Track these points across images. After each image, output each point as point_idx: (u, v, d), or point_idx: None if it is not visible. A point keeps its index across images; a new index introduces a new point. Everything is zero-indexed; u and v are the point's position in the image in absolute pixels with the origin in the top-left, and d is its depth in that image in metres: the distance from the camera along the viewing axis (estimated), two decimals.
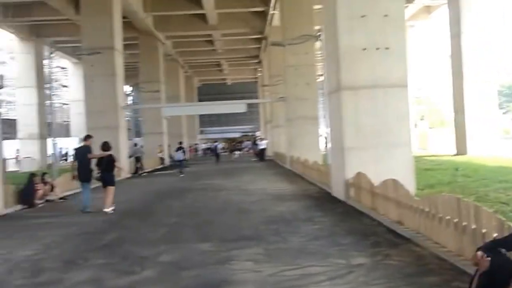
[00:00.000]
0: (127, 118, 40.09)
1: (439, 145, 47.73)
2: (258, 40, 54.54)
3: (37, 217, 14.89)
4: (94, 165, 15.82)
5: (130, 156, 35.76)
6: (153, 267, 8.00)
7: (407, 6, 40.24)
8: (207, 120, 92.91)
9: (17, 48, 48.04)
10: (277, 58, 40.41)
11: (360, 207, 13.19)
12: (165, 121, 47.02)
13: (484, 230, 6.77)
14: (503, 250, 4.70)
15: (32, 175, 18.59)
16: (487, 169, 22.28)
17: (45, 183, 18.61)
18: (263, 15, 44.19)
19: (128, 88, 65.16)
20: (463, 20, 36.25)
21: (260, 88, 68.89)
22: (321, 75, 45.56)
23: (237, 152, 66.21)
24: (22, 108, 48.09)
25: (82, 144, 16.64)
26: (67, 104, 66.13)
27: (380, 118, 14.79)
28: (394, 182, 10.86)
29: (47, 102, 37.91)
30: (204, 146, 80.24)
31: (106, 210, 15.07)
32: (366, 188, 13.16)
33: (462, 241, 7.44)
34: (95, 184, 16.25)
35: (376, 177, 12.51)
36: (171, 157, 39.12)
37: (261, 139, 54.56)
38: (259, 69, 69.28)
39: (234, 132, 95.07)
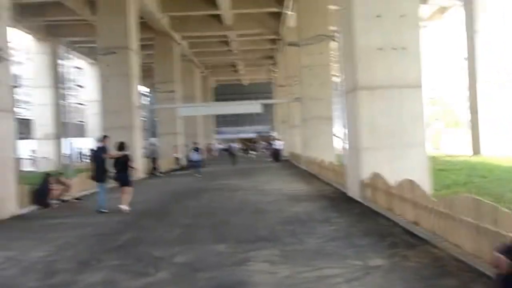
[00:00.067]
0: (143, 119, 40.10)
1: (453, 145, 47.55)
2: (273, 41, 54.49)
3: (52, 218, 14.89)
4: (110, 166, 15.88)
5: (147, 157, 35.85)
6: (167, 269, 7.96)
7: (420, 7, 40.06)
8: (222, 121, 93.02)
9: (34, 48, 48.19)
10: (292, 59, 40.34)
11: (376, 208, 13.11)
12: (180, 121, 47.01)
13: (503, 232, 6.69)
14: None
15: (47, 175, 18.57)
16: (502, 169, 22.18)
17: (60, 183, 18.62)
18: (278, 16, 44.14)
19: (144, 89, 65.32)
20: (477, 20, 36.12)
21: (276, 88, 68.84)
22: (336, 75, 45.53)
23: (252, 152, 66.18)
24: (38, 108, 48.25)
25: (98, 144, 16.66)
26: (83, 105, 66.33)
27: (395, 118, 14.74)
28: (411, 182, 10.79)
29: (63, 102, 38.04)
30: (220, 146, 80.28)
31: (121, 206, 15.28)
32: (382, 189, 13.09)
33: (480, 242, 7.36)
34: (112, 184, 16.31)
35: (391, 178, 12.46)
36: (187, 157, 39.15)
37: (277, 140, 54.43)
38: (274, 70, 69.18)
39: (250, 132, 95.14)
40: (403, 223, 10.57)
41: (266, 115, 78.73)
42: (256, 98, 55.48)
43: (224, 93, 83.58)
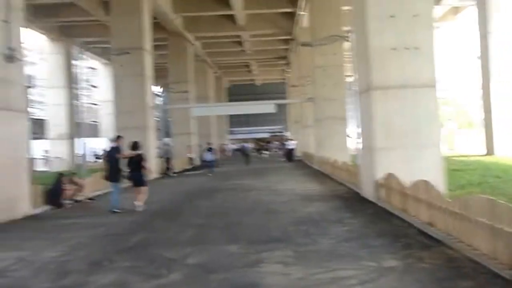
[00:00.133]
0: (156, 119, 40.19)
1: (466, 145, 47.38)
2: (286, 41, 54.49)
3: (65, 218, 14.92)
4: (124, 165, 15.93)
5: (161, 157, 35.93)
6: (180, 270, 7.91)
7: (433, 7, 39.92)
8: (236, 121, 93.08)
9: (47, 48, 48.42)
10: (305, 59, 40.31)
11: (390, 208, 13.03)
12: (194, 121, 47.10)
13: None
14: None
15: (60, 175, 18.60)
16: None
17: (73, 183, 18.65)
18: (291, 16, 44.14)
19: (158, 89, 65.45)
20: (491, 20, 35.95)
21: (288, 88, 68.82)
22: (349, 75, 45.44)
23: (265, 152, 66.17)
24: (52, 108, 48.47)
25: (112, 144, 16.71)
26: (96, 105, 66.56)
27: (409, 118, 14.67)
28: (426, 183, 10.70)
29: (76, 102, 38.18)
30: (233, 146, 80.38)
31: (136, 203, 15.50)
32: (397, 189, 13.00)
33: (496, 244, 7.28)
34: (126, 184, 16.36)
35: (405, 178, 12.38)
36: (201, 157, 39.23)
37: (290, 140, 54.40)
38: (288, 70, 69.14)
39: (263, 132, 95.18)
40: (417, 224, 10.49)
41: (279, 115, 78.62)
42: (269, 98, 55.55)
43: (237, 93, 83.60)
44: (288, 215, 13.18)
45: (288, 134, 73.49)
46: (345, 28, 31.89)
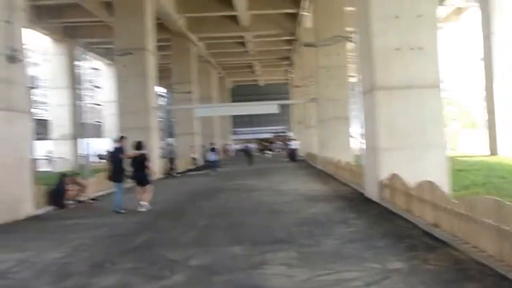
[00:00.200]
0: (160, 119, 40.25)
1: (470, 146, 47.33)
2: (290, 42, 54.44)
3: (68, 218, 14.89)
4: (128, 165, 15.95)
5: (164, 157, 35.95)
6: (183, 272, 7.84)
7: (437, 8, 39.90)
8: (239, 121, 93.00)
9: (51, 49, 48.47)
10: (309, 60, 40.30)
11: (394, 209, 12.97)
12: (197, 121, 47.16)
13: None
14: None
15: (62, 175, 18.61)
16: None
17: (76, 183, 18.62)
18: (294, 17, 44.18)
19: (161, 89, 65.49)
20: (494, 21, 35.89)
21: (292, 89, 68.84)
22: (353, 76, 45.39)
23: (269, 152, 66.20)
24: (55, 108, 48.50)
25: (115, 145, 16.70)
26: (99, 105, 66.61)
27: (413, 118, 14.62)
28: (430, 183, 10.64)
29: (80, 102, 38.20)
30: (236, 146, 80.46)
31: (142, 203, 15.62)
32: (401, 190, 12.94)
33: (503, 245, 7.21)
34: (129, 184, 16.35)
35: (410, 178, 12.34)
36: (204, 158, 39.26)
37: (292, 140, 54.44)
38: (291, 71, 69.17)
39: (266, 132, 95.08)
40: (422, 225, 10.42)
41: (282, 116, 78.55)
42: (272, 99, 55.45)
43: (240, 94, 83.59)
44: (292, 216, 13.12)
45: (291, 134, 73.54)
46: (349, 29, 31.87)
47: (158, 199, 16.94)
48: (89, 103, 49.39)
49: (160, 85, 59.05)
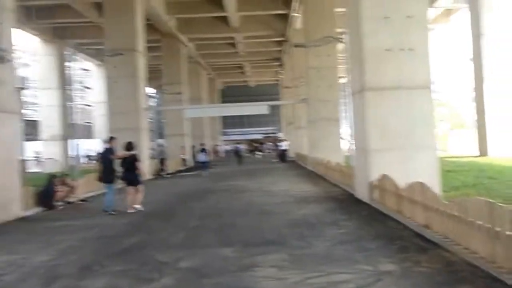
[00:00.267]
0: (150, 120, 40.17)
1: (459, 146, 47.47)
2: (280, 43, 54.43)
3: (56, 220, 14.78)
4: (118, 166, 15.90)
5: (153, 157, 35.88)
6: (172, 274, 7.76)
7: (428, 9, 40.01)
8: (229, 122, 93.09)
9: (40, 50, 48.29)
10: (299, 61, 40.35)
11: (385, 210, 12.94)
12: (187, 122, 47.15)
13: None
14: None
15: (52, 176, 18.51)
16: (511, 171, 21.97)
17: (65, 184, 18.53)
18: (284, 17, 44.15)
19: (151, 90, 65.39)
20: (483, 20, 36.02)
21: (282, 90, 68.88)
22: (343, 77, 45.46)
23: (259, 153, 66.25)
24: (45, 109, 48.29)
25: (105, 146, 16.64)
26: (90, 106, 66.44)
27: (404, 119, 14.62)
28: (421, 184, 10.61)
29: (70, 103, 38.05)
30: (226, 147, 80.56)
31: (137, 206, 15.61)
32: (391, 191, 12.92)
33: (495, 247, 7.18)
34: (120, 185, 16.26)
35: (400, 179, 12.33)
36: (195, 158, 39.22)
37: (282, 141, 54.53)
38: (281, 71, 69.20)
39: (256, 133, 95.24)
40: (413, 226, 10.39)
41: (273, 117, 78.73)
42: (263, 100, 55.34)
43: (230, 95, 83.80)
44: (283, 217, 13.08)
45: (281, 135, 73.61)
46: (339, 30, 31.90)
47: (148, 200, 16.84)
48: (79, 104, 49.12)
49: (150, 86, 58.94)
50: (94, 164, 25.07)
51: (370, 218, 12.33)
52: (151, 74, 39.96)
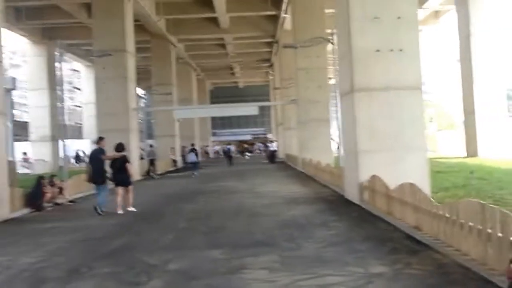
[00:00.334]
0: (139, 121, 40.11)
1: (448, 147, 47.56)
2: (270, 44, 54.39)
3: (44, 221, 14.69)
4: (108, 167, 15.82)
5: (142, 158, 35.80)
6: (160, 277, 7.68)
7: (417, 10, 40.04)
8: (219, 123, 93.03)
9: (30, 51, 48.09)
10: (288, 61, 40.41)
11: (375, 211, 12.90)
12: (177, 123, 47.13)
13: (510, 237, 6.46)
14: None
15: (40, 177, 18.41)
16: (501, 172, 21.98)
17: (53, 185, 18.42)
18: (274, 19, 44.15)
19: (141, 91, 65.27)
20: (472, 21, 36.06)
21: (272, 91, 68.92)
22: (333, 78, 45.49)
23: (248, 154, 66.30)
24: (34, 110, 48.12)
25: (95, 146, 16.56)
26: (79, 107, 66.30)
27: (394, 120, 14.60)
28: (412, 186, 10.57)
29: (59, 104, 37.91)
30: (216, 148, 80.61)
31: (130, 209, 15.61)
32: (381, 192, 12.89)
33: (486, 249, 7.13)
34: (110, 185, 16.19)
35: (390, 180, 12.30)
36: (184, 159, 39.17)
37: (272, 141, 54.59)
38: (271, 72, 69.20)
39: (246, 134, 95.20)
40: (403, 228, 10.34)
41: (262, 118, 78.97)
42: (253, 101, 55.26)
43: (220, 96, 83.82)
44: (272, 219, 13.04)
45: (270, 136, 73.66)
46: (329, 31, 31.86)
47: (137, 201, 16.73)
48: (68, 105, 48.99)
49: (140, 86, 58.82)
50: (83, 166, 24.88)
51: (360, 219, 12.30)
52: (140, 75, 39.95)
